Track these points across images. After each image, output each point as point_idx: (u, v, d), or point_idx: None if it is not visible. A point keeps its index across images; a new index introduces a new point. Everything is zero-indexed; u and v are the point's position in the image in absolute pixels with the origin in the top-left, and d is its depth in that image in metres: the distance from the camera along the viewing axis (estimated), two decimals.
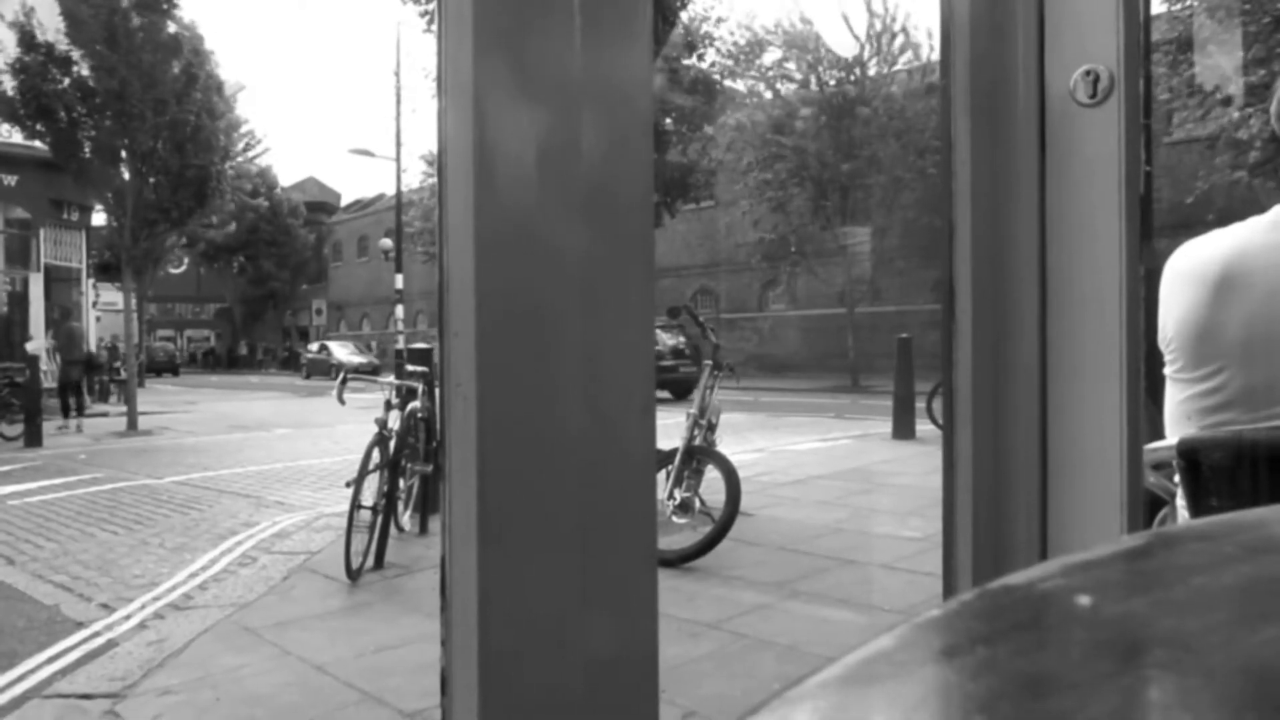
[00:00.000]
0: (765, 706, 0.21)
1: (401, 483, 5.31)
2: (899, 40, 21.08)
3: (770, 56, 22.20)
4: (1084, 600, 0.27)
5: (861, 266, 22.19)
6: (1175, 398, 1.34)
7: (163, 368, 34.27)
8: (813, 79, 21.39)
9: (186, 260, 28.01)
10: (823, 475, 7.68)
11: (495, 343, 0.59)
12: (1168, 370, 1.34)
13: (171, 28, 12.80)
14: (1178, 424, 1.33)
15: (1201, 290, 1.29)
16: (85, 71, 12.63)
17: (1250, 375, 1.25)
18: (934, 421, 9.72)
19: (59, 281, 17.39)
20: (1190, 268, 1.31)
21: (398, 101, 29.20)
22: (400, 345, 17.69)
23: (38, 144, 13.37)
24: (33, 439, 10.87)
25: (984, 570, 0.89)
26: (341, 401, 5.37)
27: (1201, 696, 0.21)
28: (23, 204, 16.18)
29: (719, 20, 23.63)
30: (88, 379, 16.28)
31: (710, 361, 5.46)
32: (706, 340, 5.67)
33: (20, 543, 5.75)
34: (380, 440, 4.98)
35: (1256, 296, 1.24)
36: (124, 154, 12.85)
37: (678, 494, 5.11)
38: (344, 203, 49.47)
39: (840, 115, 20.52)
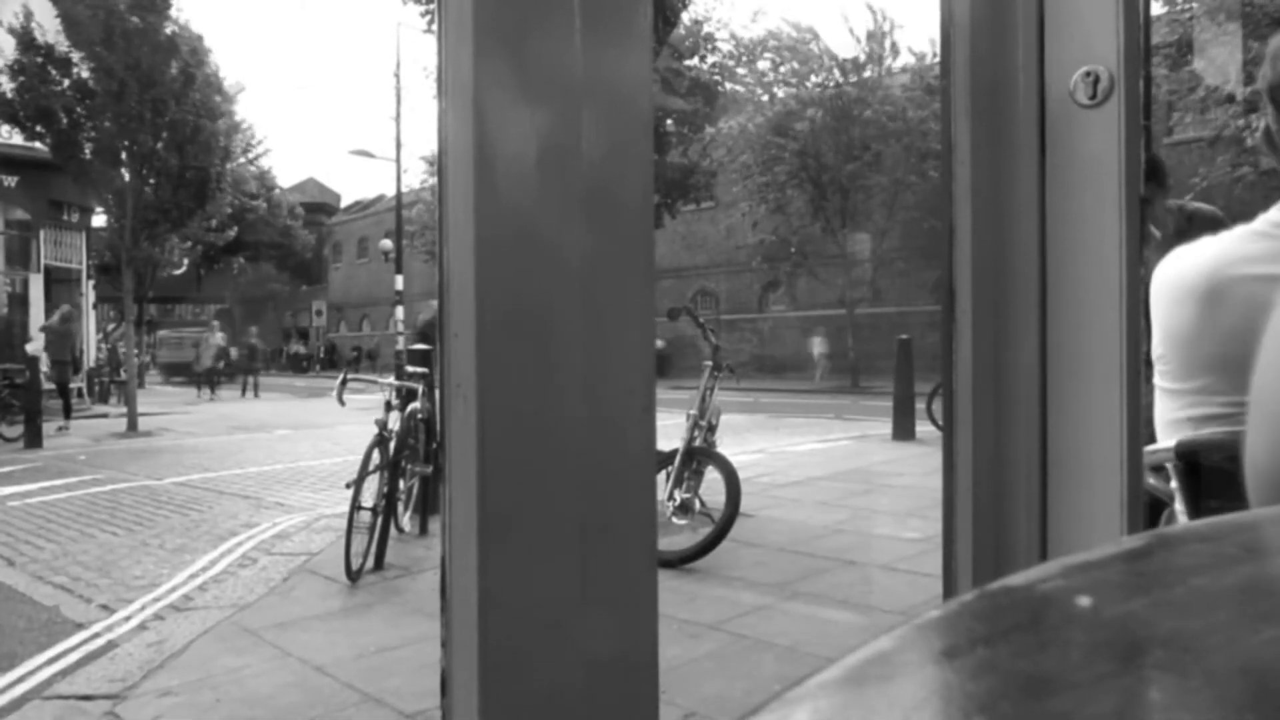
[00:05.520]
0: (765, 707, 0.21)
1: (401, 484, 5.31)
2: (898, 41, 21.13)
3: (766, 63, 22.25)
4: (1084, 601, 0.27)
5: (861, 267, 22.23)
6: (1165, 408, 1.34)
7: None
8: (809, 83, 21.43)
9: (186, 261, 28.08)
10: (823, 476, 7.68)
11: (495, 343, 0.59)
12: (1156, 380, 1.34)
13: (169, 29, 12.80)
14: (1168, 434, 1.33)
15: (1187, 303, 1.28)
16: (85, 73, 12.64)
17: (1234, 388, 1.25)
18: (934, 422, 9.72)
19: (59, 283, 17.40)
20: (1176, 280, 1.31)
21: (398, 102, 29.17)
22: (400, 346, 17.68)
23: (38, 145, 13.38)
24: (33, 440, 10.87)
25: (984, 571, 0.89)
26: (341, 403, 5.37)
27: (1202, 697, 0.21)
28: (23, 205, 16.20)
29: (720, 23, 23.68)
30: (89, 382, 16.29)
31: (710, 363, 5.46)
32: (706, 341, 5.68)
33: (20, 544, 5.74)
34: (380, 441, 4.98)
35: (1239, 308, 1.24)
36: (124, 155, 12.86)
37: (678, 495, 5.11)
38: (344, 204, 49.48)
39: (839, 117, 20.55)
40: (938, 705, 0.21)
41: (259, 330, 26.18)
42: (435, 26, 0.61)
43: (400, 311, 22.60)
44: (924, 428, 9.77)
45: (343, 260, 45.40)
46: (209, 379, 20.82)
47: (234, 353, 23.37)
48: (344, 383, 5.35)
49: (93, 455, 10.11)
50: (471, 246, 0.58)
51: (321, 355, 38.22)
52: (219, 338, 21.99)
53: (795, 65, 21.83)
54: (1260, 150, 1.33)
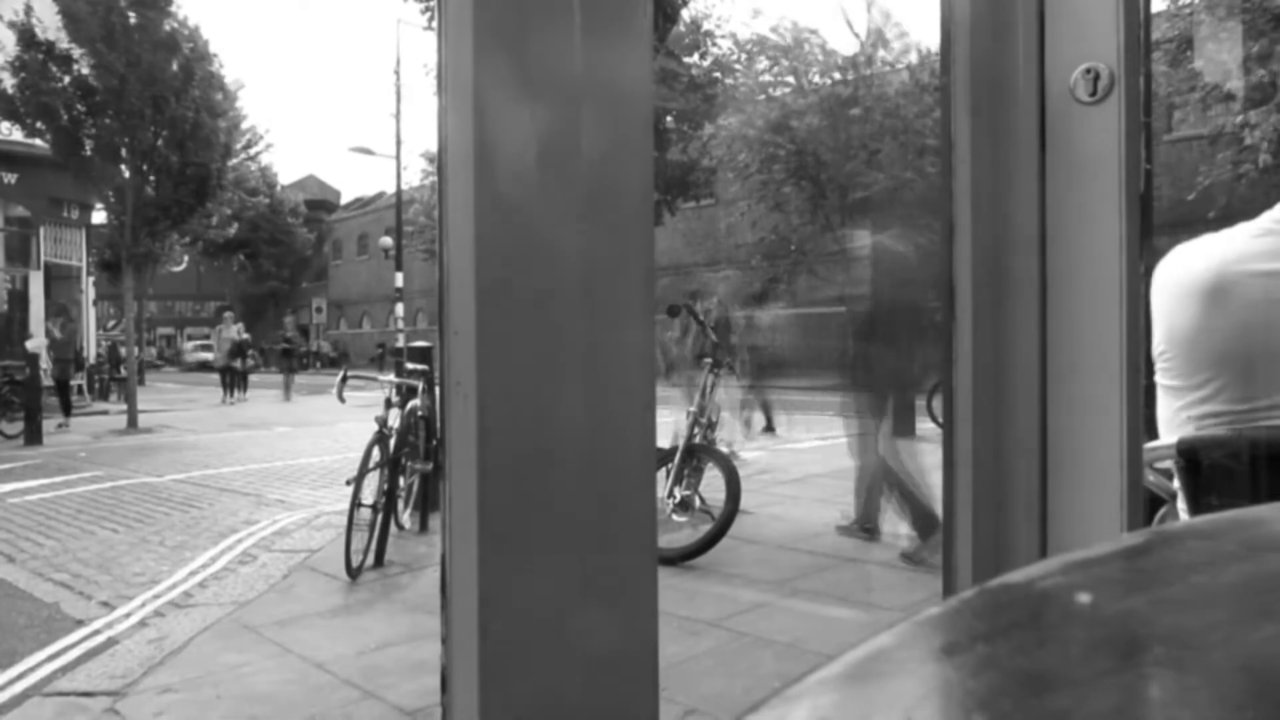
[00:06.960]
0: (765, 704, 0.21)
1: (401, 481, 5.31)
2: (898, 39, 21.08)
3: (764, 64, 22.22)
4: (1084, 598, 0.27)
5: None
6: (1169, 406, 1.33)
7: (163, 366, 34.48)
8: (806, 82, 21.39)
9: (187, 258, 27.64)
10: (823, 473, 7.67)
11: (495, 341, 0.59)
12: (1159, 379, 1.34)
13: (168, 25, 12.79)
14: (1171, 432, 1.32)
15: (1192, 300, 1.28)
16: (85, 70, 12.62)
17: (1240, 383, 1.25)
18: (934, 420, 9.72)
19: (59, 280, 17.40)
20: (1181, 277, 1.31)
21: (398, 99, 29.20)
22: (400, 343, 17.65)
23: (38, 142, 13.37)
24: (33, 437, 10.87)
25: (984, 568, 0.89)
26: (341, 400, 5.37)
27: (1201, 694, 0.21)
28: (23, 202, 16.19)
29: (719, 21, 23.68)
30: (89, 379, 16.28)
31: (710, 360, 5.46)
32: (706, 338, 5.68)
33: (20, 540, 5.75)
34: (380, 438, 4.98)
35: (1244, 305, 1.24)
36: (124, 152, 12.85)
37: (678, 492, 5.10)
38: (344, 201, 49.45)
39: (837, 115, 20.52)
40: (938, 702, 0.21)
41: (294, 322, 24.01)
42: (435, 24, 0.61)
43: (400, 308, 22.59)
44: (924, 425, 9.76)
45: (343, 257, 45.38)
46: (229, 378, 18.27)
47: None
48: (344, 380, 5.35)
49: (93, 452, 10.11)
50: (472, 244, 0.58)
51: (321, 352, 37.92)
52: (234, 330, 19.00)
53: (791, 66, 21.80)
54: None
